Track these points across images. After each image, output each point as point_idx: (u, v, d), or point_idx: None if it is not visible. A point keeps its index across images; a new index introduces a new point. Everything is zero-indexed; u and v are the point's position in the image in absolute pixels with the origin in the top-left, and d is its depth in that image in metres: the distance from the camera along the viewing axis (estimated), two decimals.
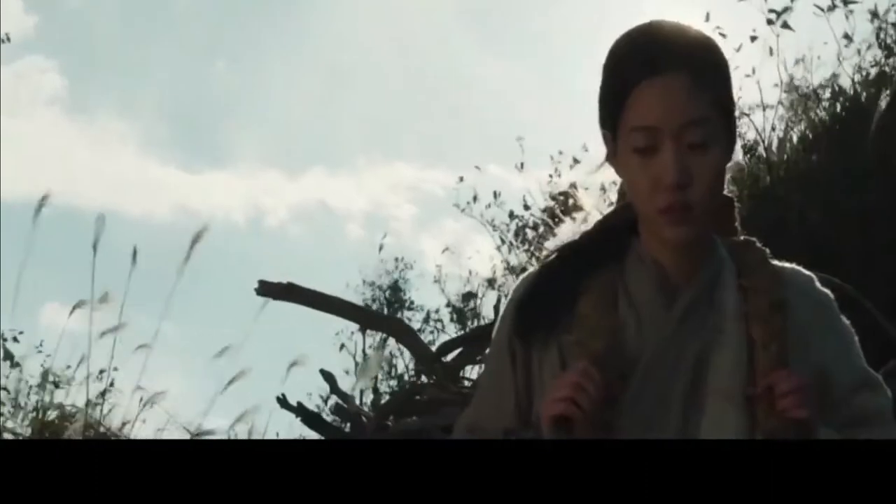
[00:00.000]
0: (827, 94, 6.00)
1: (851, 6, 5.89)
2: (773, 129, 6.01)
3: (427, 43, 13.36)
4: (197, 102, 12.68)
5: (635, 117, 1.27)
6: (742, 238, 1.39)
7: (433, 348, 5.63)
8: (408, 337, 5.39)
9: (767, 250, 1.37)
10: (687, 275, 1.31)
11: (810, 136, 5.77)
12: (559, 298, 1.33)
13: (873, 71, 5.96)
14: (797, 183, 5.27)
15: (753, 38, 6.09)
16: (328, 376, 5.11)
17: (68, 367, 5.36)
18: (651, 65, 1.26)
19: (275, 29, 13.15)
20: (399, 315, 10.87)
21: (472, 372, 5.45)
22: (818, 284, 1.38)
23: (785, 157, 5.69)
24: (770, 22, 5.90)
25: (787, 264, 1.38)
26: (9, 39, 6.70)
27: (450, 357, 5.31)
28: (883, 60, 6.14)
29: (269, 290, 4.79)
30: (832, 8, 5.90)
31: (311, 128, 13.39)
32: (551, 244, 1.46)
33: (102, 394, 5.29)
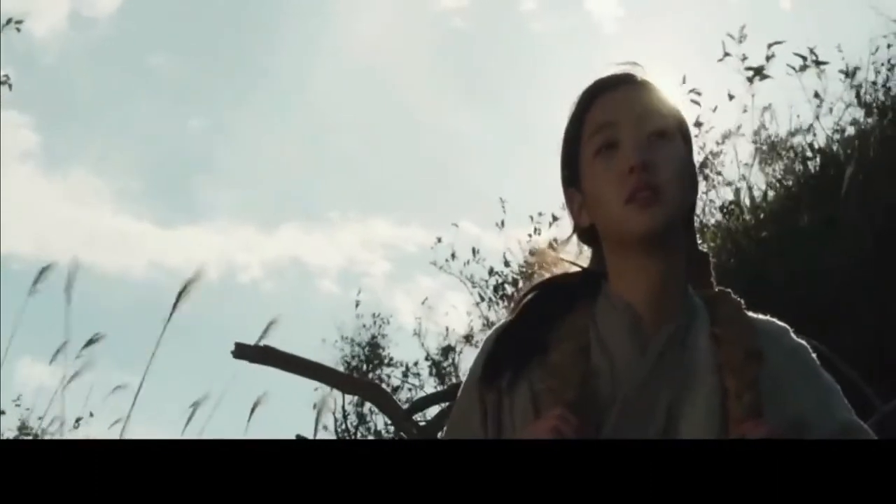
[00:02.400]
0: (805, 152, 6.01)
1: (823, 66, 5.95)
2: (751, 188, 6.02)
3: (405, 100, 13.41)
4: (171, 158, 12.65)
5: (593, 122, 1.32)
6: (717, 289, 1.37)
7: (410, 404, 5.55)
8: (383, 400, 5.36)
9: (742, 301, 1.35)
10: (660, 320, 1.29)
11: (791, 187, 5.76)
12: (530, 346, 1.31)
13: (851, 129, 5.98)
14: (776, 241, 5.23)
15: (731, 97, 6.15)
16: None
17: (40, 417, 5.30)
18: (602, 85, 1.35)
19: (249, 84, 13.18)
20: (378, 372, 10.75)
21: None
22: (794, 335, 1.36)
23: (762, 215, 5.67)
24: (750, 80, 5.96)
25: (762, 316, 1.36)
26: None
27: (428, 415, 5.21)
28: (863, 119, 6.17)
29: (245, 352, 4.76)
30: (804, 68, 5.99)
31: (285, 183, 13.35)
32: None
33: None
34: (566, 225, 1.44)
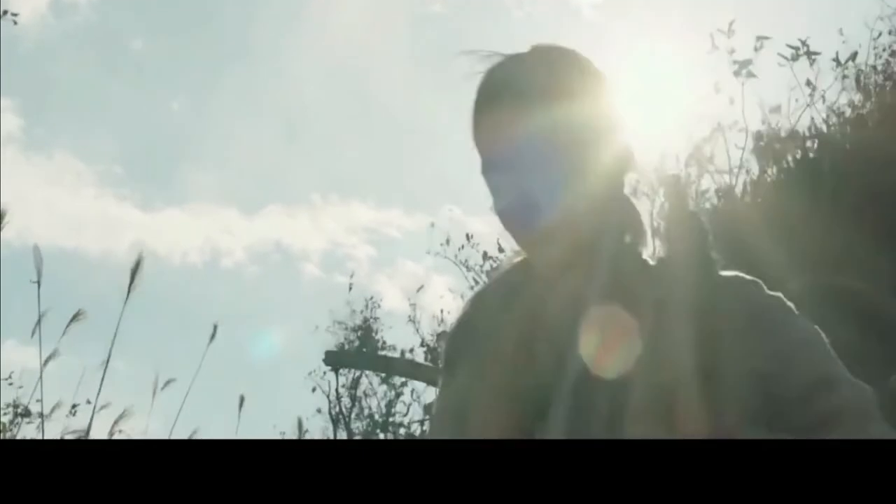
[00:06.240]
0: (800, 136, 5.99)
1: (815, 56, 5.95)
2: (748, 171, 6.00)
3: (384, 83, 13.41)
4: (153, 141, 12.65)
5: (479, 156, 1.28)
6: (662, 256, 1.31)
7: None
8: None
9: (700, 263, 1.27)
10: (602, 301, 1.25)
11: (788, 169, 5.73)
12: (478, 338, 1.31)
13: (848, 110, 5.96)
14: (770, 227, 5.19)
15: (718, 90, 6.16)
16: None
17: (38, 400, 5.36)
18: (477, 104, 1.27)
19: (230, 68, 13.19)
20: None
21: None
22: (758, 290, 1.27)
23: (759, 200, 5.64)
24: (736, 74, 5.99)
25: (726, 273, 1.28)
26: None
27: None
28: (861, 102, 6.14)
29: (334, 360, 4.92)
30: (796, 58, 5.97)
31: (267, 166, 13.36)
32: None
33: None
34: None
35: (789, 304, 1.27)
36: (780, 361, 1.23)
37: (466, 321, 1.37)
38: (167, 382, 5.11)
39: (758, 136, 6.11)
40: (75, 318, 5.10)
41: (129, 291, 4.80)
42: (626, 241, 1.31)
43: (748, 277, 1.29)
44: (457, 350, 1.35)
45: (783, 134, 6.05)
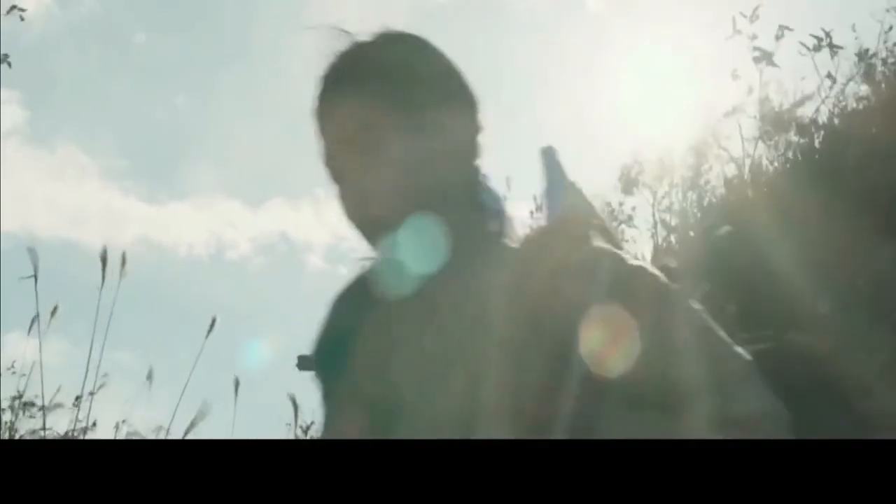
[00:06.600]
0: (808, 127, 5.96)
1: (837, 49, 5.90)
2: (751, 159, 5.98)
3: None
4: (158, 135, 12.65)
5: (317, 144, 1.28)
6: (530, 236, 1.22)
7: None
8: None
9: (566, 238, 1.17)
10: (452, 295, 1.18)
11: (795, 161, 5.71)
12: (337, 338, 1.27)
13: (855, 104, 5.93)
14: (776, 217, 5.17)
15: (735, 77, 6.13)
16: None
17: (36, 396, 5.38)
18: (316, 92, 1.26)
19: (233, 61, 13.23)
20: None
21: None
22: (618, 261, 1.14)
23: (764, 190, 5.62)
24: (757, 60, 5.94)
25: (591, 246, 1.16)
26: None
27: None
28: (870, 95, 6.11)
29: (308, 363, 4.82)
30: (818, 48, 5.92)
31: (271, 159, 13.36)
32: None
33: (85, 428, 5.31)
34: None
35: (655, 271, 1.15)
36: (642, 335, 1.10)
37: (325, 326, 1.31)
38: (148, 374, 5.11)
39: (762, 103, 6.08)
40: (53, 312, 5.09)
41: (103, 278, 4.79)
42: (490, 230, 1.23)
43: (607, 248, 1.16)
44: (320, 355, 1.30)
45: (784, 109, 6.02)
